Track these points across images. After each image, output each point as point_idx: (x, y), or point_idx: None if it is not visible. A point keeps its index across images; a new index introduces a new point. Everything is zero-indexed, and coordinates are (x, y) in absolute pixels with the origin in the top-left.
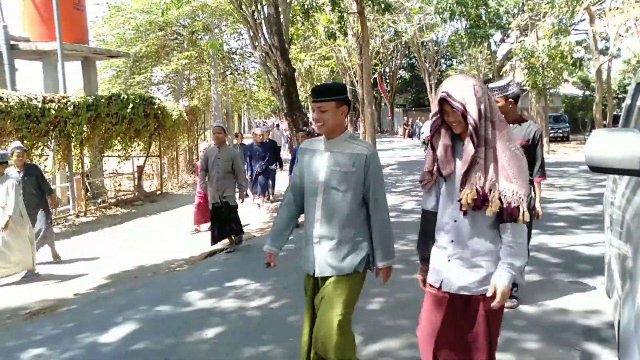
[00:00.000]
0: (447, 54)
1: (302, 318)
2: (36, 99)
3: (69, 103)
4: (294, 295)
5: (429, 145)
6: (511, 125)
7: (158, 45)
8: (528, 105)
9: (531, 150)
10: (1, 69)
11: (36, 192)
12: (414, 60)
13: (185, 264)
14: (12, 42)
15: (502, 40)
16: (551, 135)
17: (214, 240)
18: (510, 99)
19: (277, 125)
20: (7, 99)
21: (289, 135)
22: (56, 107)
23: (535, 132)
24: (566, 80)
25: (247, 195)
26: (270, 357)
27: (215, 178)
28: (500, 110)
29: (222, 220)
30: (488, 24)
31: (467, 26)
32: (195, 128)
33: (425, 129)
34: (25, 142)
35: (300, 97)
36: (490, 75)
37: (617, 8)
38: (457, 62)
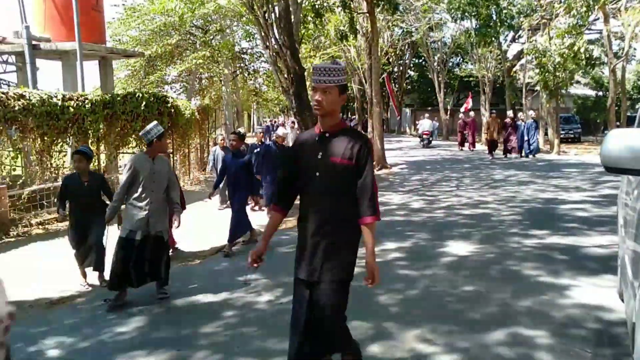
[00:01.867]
0: (456, 53)
1: None
2: (56, 97)
3: (86, 101)
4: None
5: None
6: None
7: (172, 46)
8: (539, 105)
9: (355, 173)
10: (23, 68)
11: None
12: (422, 60)
13: (197, 258)
14: (33, 42)
15: (513, 40)
16: (562, 136)
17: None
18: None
19: (293, 122)
20: (29, 97)
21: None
22: (75, 105)
23: (361, 147)
24: (578, 82)
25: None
26: (281, 350)
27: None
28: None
29: (145, 259)
30: (499, 24)
31: (477, 26)
32: (206, 126)
33: (422, 126)
34: (45, 138)
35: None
36: (500, 75)
37: (633, 7)
38: (466, 61)
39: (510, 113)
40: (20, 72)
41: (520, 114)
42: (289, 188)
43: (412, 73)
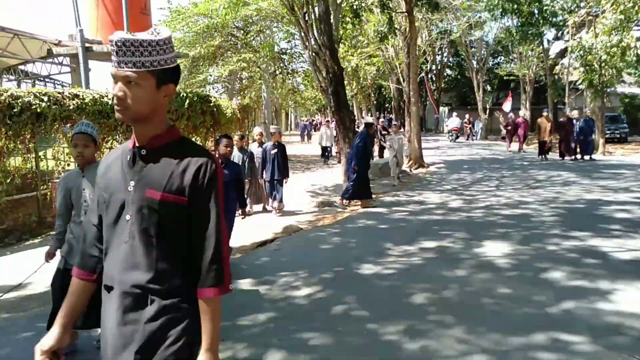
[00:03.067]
0: (497, 52)
1: (349, 309)
2: (107, 96)
3: None
4: (340, 286)
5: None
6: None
7: (215, 47)
8: (582, 104)
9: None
10: (77, 69)
11: None
12: (461, 58)
13: (238, 253)
14: (86, 45)
15: (556, 38)
16: (607, 136)
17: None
18: None
19: (327, 121)
20: (82, 96)
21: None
22: None
23: (199, 171)
24: (623, 81)
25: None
26: (317, 344)
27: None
28: None
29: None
30: (541, 22)
31: (519, 24)
32: (246, 125)
33: (450, 123)
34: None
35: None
36: (542, 74)
37: None
38: (506, 60)
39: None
40: (74, 73)
41: (574, 112)
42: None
43: (450, 71)
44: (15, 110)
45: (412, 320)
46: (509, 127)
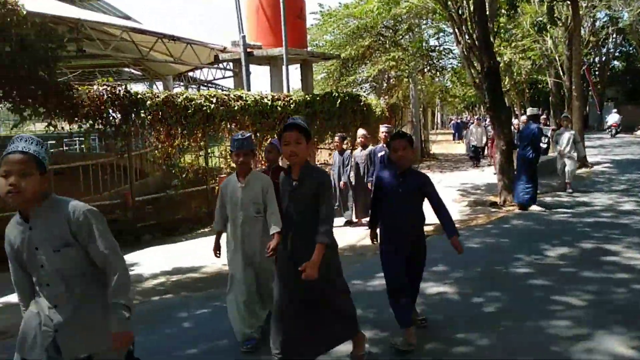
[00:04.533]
0: None
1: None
2: (267, 97)
3: (291, 101)
4: (492, 285)
5: None
6: None
7: (364, 48)
8: None
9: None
10: (239, 73)
11: None
12: (632, 48)
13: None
14: (248, 50)
15: None
16: None
17: None
18: None
19: (478, 120)
20: (245, 98)
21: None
22: (281, 105)
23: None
24: None
25: None
26: (478, 343)
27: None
28: None
29: None
30: None
31: None
32: (394, 123)
33: (610, 119)
34: (258, 134)
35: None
36: None
37: None
38: None
39: None
40: (236, 77)
41: None
42: None
43: (616, 63)
44: (189, 111)
45: (571, 322)
46: None
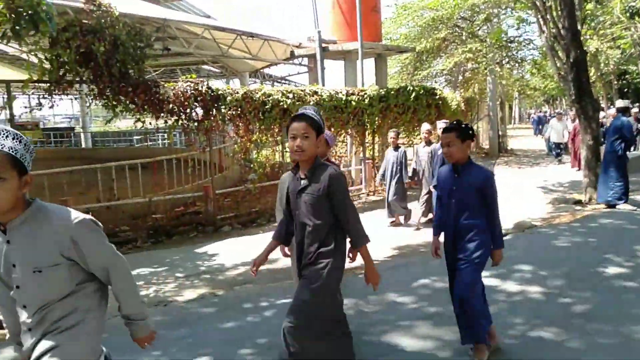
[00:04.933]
0: None
1: (593, 309)
2: (341, 92)
3: (365, 95)
4: (580, 286)
5: None
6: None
7: (440, 40)
8: None
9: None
10: (314, 68)
11: None
12: None
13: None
14: (323, 45)
15: None
16: None
17: None
18: None
19: (559, 114)
20: (320, 93)
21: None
22: (356, 100)
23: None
24: None
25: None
26: (566, 345)
27: None
28: None
29: None
30: None
31: None
32: (469, 117)
33: None
34: (332, 129)
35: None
36: None
37: None
38: None
39: None
40: (311, 72)
41: None
42: None
43: None
44: (267, 106)
45: None
46: None
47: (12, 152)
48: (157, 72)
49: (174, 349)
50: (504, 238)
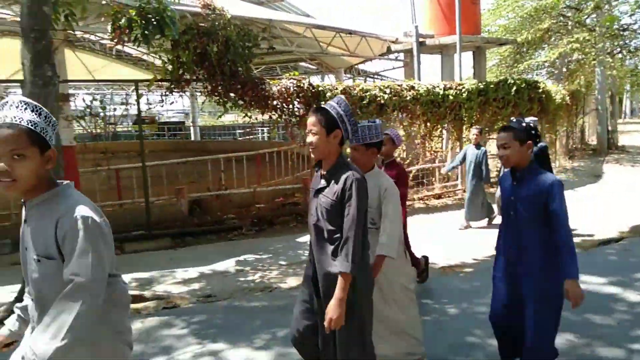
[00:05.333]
0: None
1: None
2: (438, 87)
3: (463, 89)
4: None
5: None
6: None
7: (542, 31)
8: None
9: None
10: (410, 63)
11: None
12: None
13: (579, 248)
14: (420, 40)
15: None
16: None
17: None
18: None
19: None
20: (417, 88)
21: None
22: (453, 94)
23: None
24: None
25: None
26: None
27: None
28: None
29: None
30: None
31: None
32: (574, 112)
33: None
34: (428, 124)
35: None
36: None
37: None
38: None
39: None
40: (407, 67)
41: None
42: None
43: None
44: (364, 102)
45: None
46: None
47: (32, 125)
48: (258, 70)
49: (281, 333)
50: (619, 242)
